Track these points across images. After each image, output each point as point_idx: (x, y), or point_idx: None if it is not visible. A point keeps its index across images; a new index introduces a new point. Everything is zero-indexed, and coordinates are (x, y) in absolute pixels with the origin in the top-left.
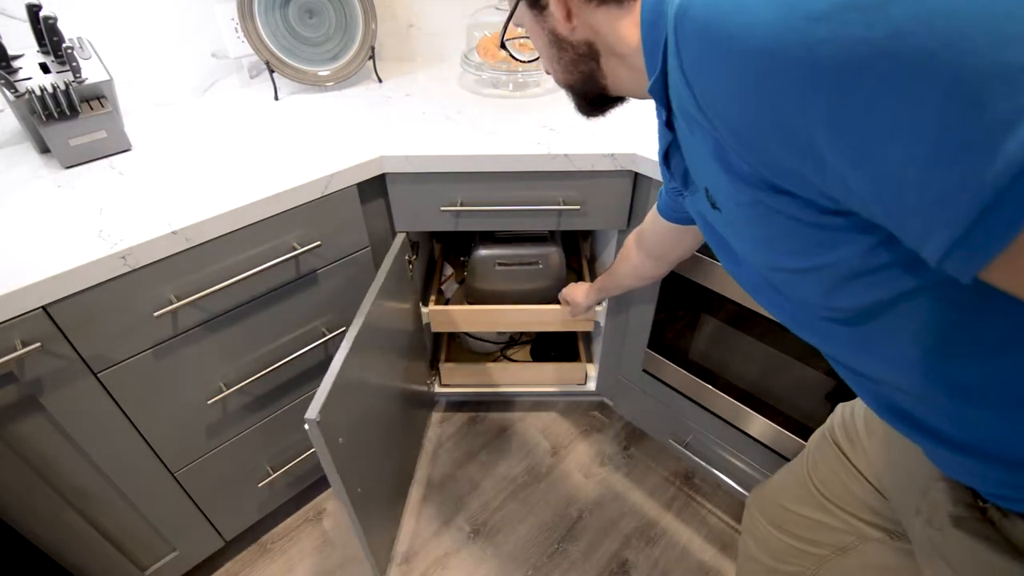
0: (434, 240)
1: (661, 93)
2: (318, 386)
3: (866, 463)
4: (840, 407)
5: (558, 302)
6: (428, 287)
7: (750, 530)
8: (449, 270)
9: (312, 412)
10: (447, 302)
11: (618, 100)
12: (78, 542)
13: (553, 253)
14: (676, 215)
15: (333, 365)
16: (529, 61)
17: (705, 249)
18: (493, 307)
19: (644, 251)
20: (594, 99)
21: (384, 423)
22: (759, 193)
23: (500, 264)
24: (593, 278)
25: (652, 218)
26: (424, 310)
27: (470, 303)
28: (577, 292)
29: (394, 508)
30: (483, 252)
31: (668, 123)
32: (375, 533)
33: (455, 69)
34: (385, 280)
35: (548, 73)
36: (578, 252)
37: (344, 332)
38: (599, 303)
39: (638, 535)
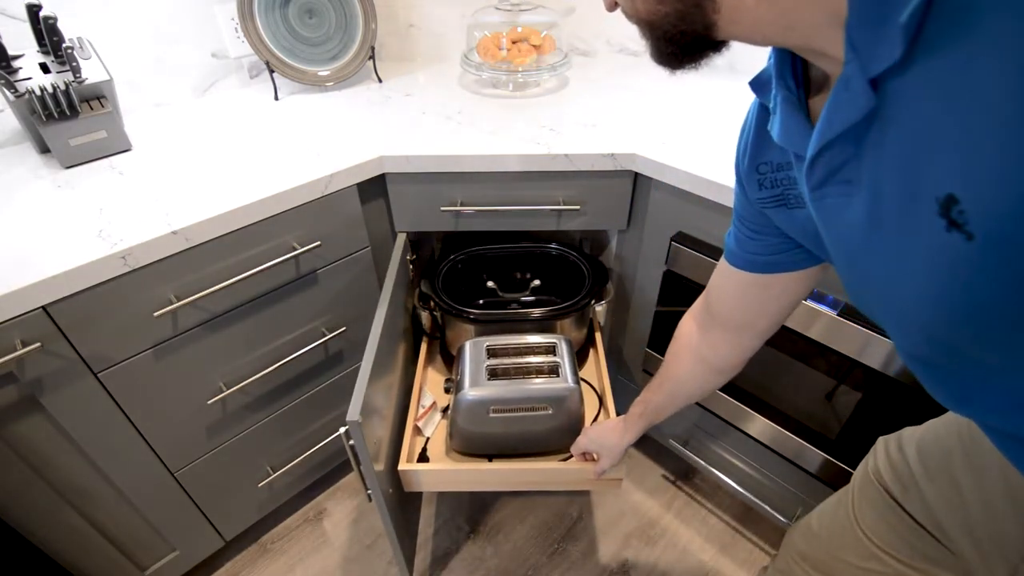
0: (434, 239)
1: (916, 25)
2: (318, 386)
3: (922, 509)
4: (883, 442)
5: (572, 442)
6: (416, 346)
7: (785, 571)
8: (429, 398)
9: (353, 414)
10: (427, 442)
11: (720, 46)
12: (78, 542)
13: (570, 395)
14: (755, 258)
15: (364, 367)
16: None
17: (705, 246)
18: (485, 467)
19: (715, 325)
20: (689, 43)
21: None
22: None
23: (495, 411)
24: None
25: (721, 274)
26: (422, 313)
27: (456, 448)
28: (607, 434)
29: (414, 508)
30: (472, 395)
31: (873, 81)
32: (402, 535)
33: (455, 69)
34: (395, 281)
35: (612, 7)
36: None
37: (344, 332)
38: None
39: (638, 535)
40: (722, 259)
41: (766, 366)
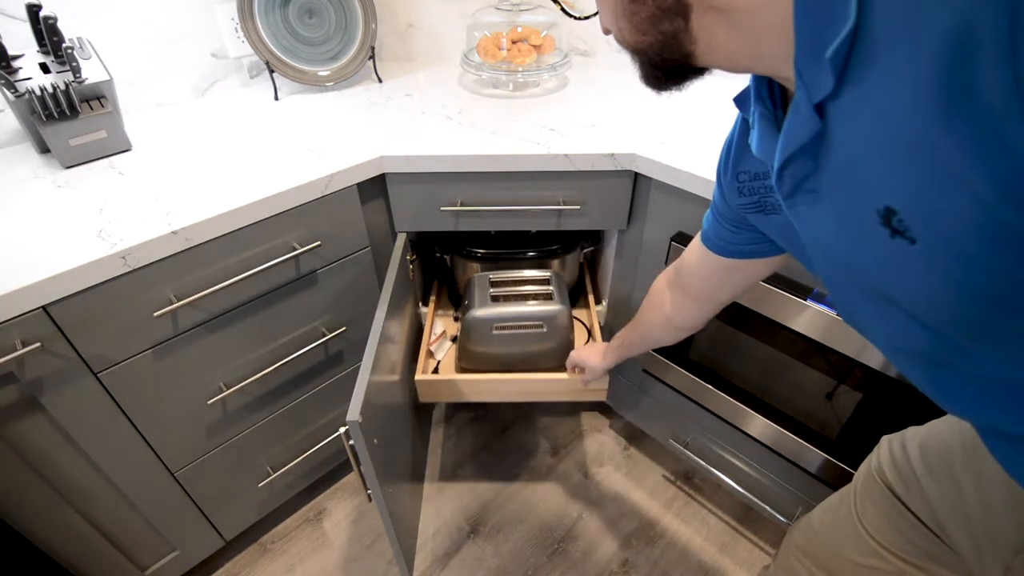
0: (432, 247)
1: (844, 57)
2: (318, 386)
3: (923, 506)
4: (886, 441)
5: (564, 367)
6: (427, 288)
7: (787, 568)
8: (440, 327)
9: (352, 414)
10: (438, 364)
11: (701, 71)
12: (78, 542)
13: (560, 314)
14: (729, 247)
15: (363, 366)
16: (586, 18)
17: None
18: (489, 377)
19: (683, 292)
20: (671, 68)
21: (400, 423)
22: None
23: (498, 328)
24: (595, 279)
25: (694, 252)
26: (423, 309)
27: (464, 367)
28: (591, 354)
29: (414, 508)
30: (478, 314)
31: (819, 106)
32: (402, 535)
33: (455, 69)
34: (395, 281)
35: (607, 32)
36: (583, 267)
37: (344, 332)
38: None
39: (638, 535)
40: (695, 239)
41: (766, 366)
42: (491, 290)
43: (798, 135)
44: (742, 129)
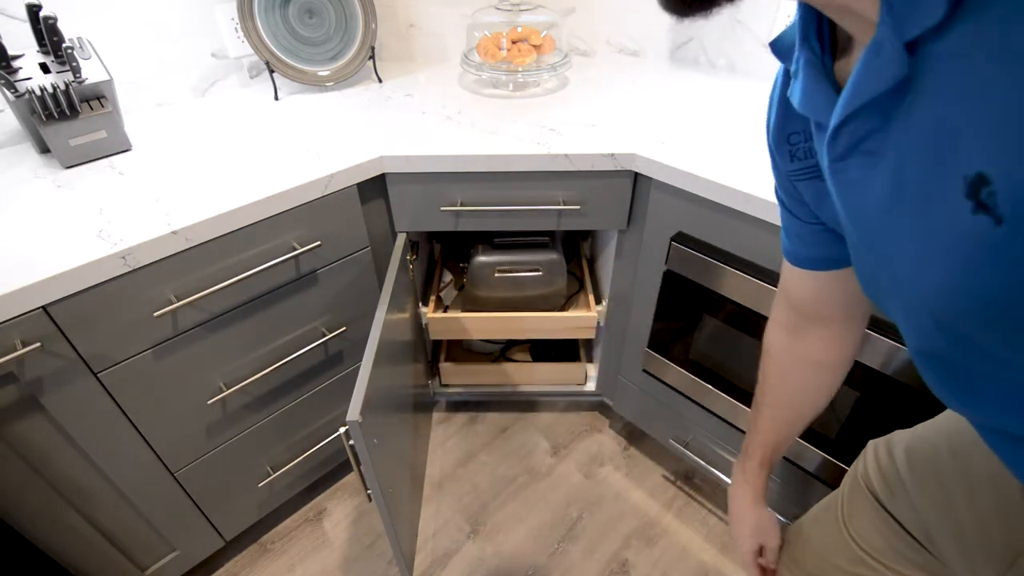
0: (433, 241)
1: None
2: (318, 386)
3: (910, 514)
4: (872, 446)
5: (558, 307)
6: (428, 288)
7: (777, 573)
8: (448, 276)
9: (352, 414)
10: (446, 309)
11: None
12: (78, 542)
13: (554, 260)
14: (813, 253)
15: (363, 366)
16: None
17: (705, 246)
18: (493, 314)
19: (815, 324)
20: None
21: (400, 424)
22: None
23: (500, 271)
24: (595, 279)
25: (793, 277)
26: (423, 309)
27: (470, 310)
28: (743, 515)
29: (414, 508)
30: (482, 259)
31: (909, 46)
32: (402, 535)
33: (455, 69)
34: (395, 281)
35: None
36: (578, 253)
37: (344, 332)
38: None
39: (638, 535)
40: (784, 268)
41: None
42: (495, 240)
43: (874, 82)
44: (785, 84)
